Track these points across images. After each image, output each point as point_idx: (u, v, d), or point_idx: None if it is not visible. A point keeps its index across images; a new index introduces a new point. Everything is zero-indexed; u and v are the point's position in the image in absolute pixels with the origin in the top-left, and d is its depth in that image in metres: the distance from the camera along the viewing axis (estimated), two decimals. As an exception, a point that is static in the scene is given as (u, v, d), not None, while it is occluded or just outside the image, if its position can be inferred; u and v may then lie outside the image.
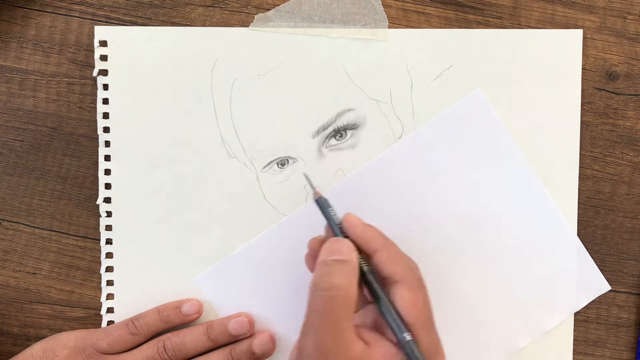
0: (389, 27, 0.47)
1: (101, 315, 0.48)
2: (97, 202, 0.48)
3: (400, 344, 0.37)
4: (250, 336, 0.46)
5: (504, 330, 0.48)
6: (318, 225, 0.47)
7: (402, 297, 0.37)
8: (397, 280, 0.38)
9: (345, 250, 0.39)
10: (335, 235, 0.41)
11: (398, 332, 0.37)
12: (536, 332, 0.48)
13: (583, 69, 0.47)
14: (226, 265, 0.47)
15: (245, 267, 0.47)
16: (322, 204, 0.42)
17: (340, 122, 0.47)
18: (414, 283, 0.38)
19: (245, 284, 0.47)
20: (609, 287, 0.48)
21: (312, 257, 0.42)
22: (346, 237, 0.40)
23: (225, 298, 0.47)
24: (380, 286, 0.39)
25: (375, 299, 0.39)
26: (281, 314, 0.47)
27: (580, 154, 0.48)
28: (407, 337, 0.37)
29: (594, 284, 0.48)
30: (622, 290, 0.48)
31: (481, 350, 0.48)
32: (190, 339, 0.45)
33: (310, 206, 0.47)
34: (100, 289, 0.48)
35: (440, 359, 0.38)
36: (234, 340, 0.46)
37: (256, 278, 0.47)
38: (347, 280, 0.37)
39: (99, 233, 0.48)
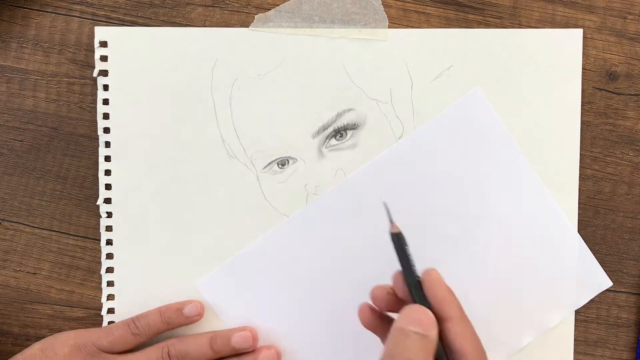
0: (389, 27, 0.47)
1: (101, 316, 0.48)
2: (97, 203, 0.47)
3: None
4: (254, 351, 0.46)
5: (506, 328, 0.47)
6: (320, 227, 0.47)
7: None
8: (464, 358, 0.35)
9: (426, 323, 0.35)
10: (409, 287, 0.37)
11: None
12: (539, 330, 0.47)
13: (583, 68, 0.47)
14: (227, 269, 0.47)
15: (247, 270, 0.47)
16: (400, 242, 0.38)
17: (340, 122, 0.47)
18: None
19: (247, 288, 0.47)
20: (610, 283, 0.48)
21: (371, 310, 0.40)
22: (422, 293, 0.37)
23: (227, 302, 0.47)
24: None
25: None
26: (284, 319, 0.47)
27: (580, 154, 0.48)
28: None
29: (596, 280, 0.48)
30: (622, 290, 0.48)
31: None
32: (194, 347, 0.45)
33: (310, 207, 0.47)
34: (100, 289, 0.48)
35: None
36: (236, 353, 0.46)
37: (258, 281, 0.47)
38: (425, 359, 0.34)
39: (99, 233, 0.48)
